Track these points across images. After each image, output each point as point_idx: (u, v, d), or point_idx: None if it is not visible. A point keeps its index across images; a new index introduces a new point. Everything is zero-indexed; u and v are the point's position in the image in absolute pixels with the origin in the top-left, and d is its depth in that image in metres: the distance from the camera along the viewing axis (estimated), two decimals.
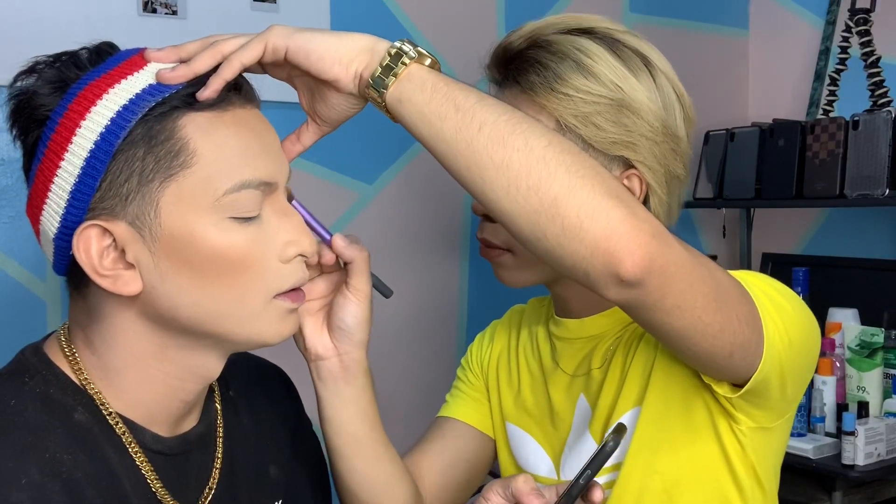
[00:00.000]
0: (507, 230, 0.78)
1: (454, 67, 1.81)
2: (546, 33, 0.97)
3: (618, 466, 0.96)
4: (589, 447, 0.99)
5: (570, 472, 1.01)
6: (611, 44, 0.95)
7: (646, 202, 0.96)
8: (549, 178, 0.72)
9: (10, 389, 0.76)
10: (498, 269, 1.02)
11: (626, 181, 0.95)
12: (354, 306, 0.89)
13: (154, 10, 1.43)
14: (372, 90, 0.78)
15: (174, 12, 1.45)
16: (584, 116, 0.92)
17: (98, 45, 0.78)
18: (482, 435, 1.13)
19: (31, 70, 0.77)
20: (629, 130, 0.93)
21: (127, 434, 0.78)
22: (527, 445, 1.08)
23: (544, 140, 0.74)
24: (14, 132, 0.78)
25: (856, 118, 1.82)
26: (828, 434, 1.83)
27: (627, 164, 0.95)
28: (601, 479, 0.95)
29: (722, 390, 0.87)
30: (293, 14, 1.58)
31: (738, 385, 0.86)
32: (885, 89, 1.92)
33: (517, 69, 0.96)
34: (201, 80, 0.76)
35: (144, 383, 0.78)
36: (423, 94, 0.76)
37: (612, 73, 0.94)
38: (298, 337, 0.91)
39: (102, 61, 0.77)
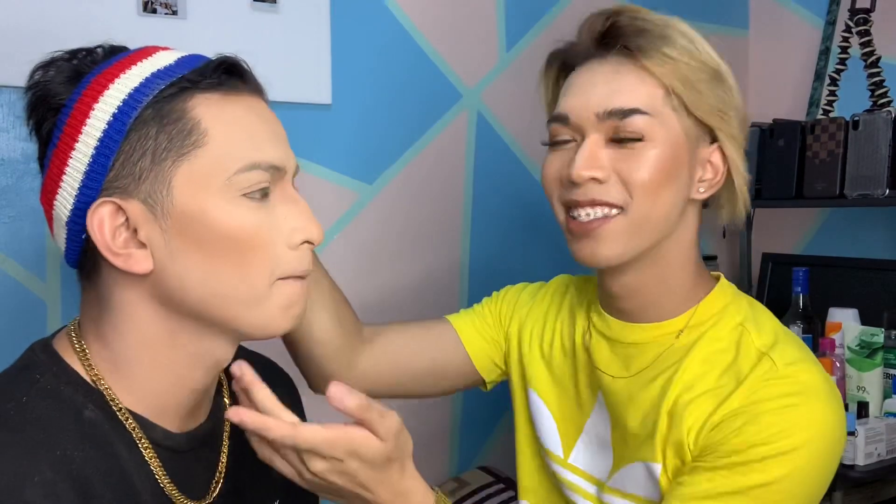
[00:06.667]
0: None
1: (454, 68, 1.81)
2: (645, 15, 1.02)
3: (640, 500, 0.99)
4: (606, 452, 1.04)
5: (577, 461, 1.07)
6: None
7: (727, 182, 1.01)
8: None
9: (21, 386, 0.77)
10: (598, 244, 0.96)
11: (711, 156, 1.00)
12: None
13: (154, 11, 1.43)
14: None
15: (174, 12, 1.45)
16: (689, 82, 0.97)
17: (112, 46, 0.82)
18: (465, 358, 1.16)
19: (48, 64, 0.80)
20: (724, 100, 0.99)
21: (137, 430, 0.79)
22: (544, 421, 1.11)
23: None
24: (31, 124, 0.80)
25: (856, 118, 1.82)
26: None
27: (713, 138, 1.00)
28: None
29: None
30: (293, 14, 1.57)
31: None
32: (885, 89, 1.91)
33: (622, 34, 1.00)
34: (210, 65, 0.78)
35: (155, 372, 0.79)
36: None
37: (709, 48, 1.01)
38: None
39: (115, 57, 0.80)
